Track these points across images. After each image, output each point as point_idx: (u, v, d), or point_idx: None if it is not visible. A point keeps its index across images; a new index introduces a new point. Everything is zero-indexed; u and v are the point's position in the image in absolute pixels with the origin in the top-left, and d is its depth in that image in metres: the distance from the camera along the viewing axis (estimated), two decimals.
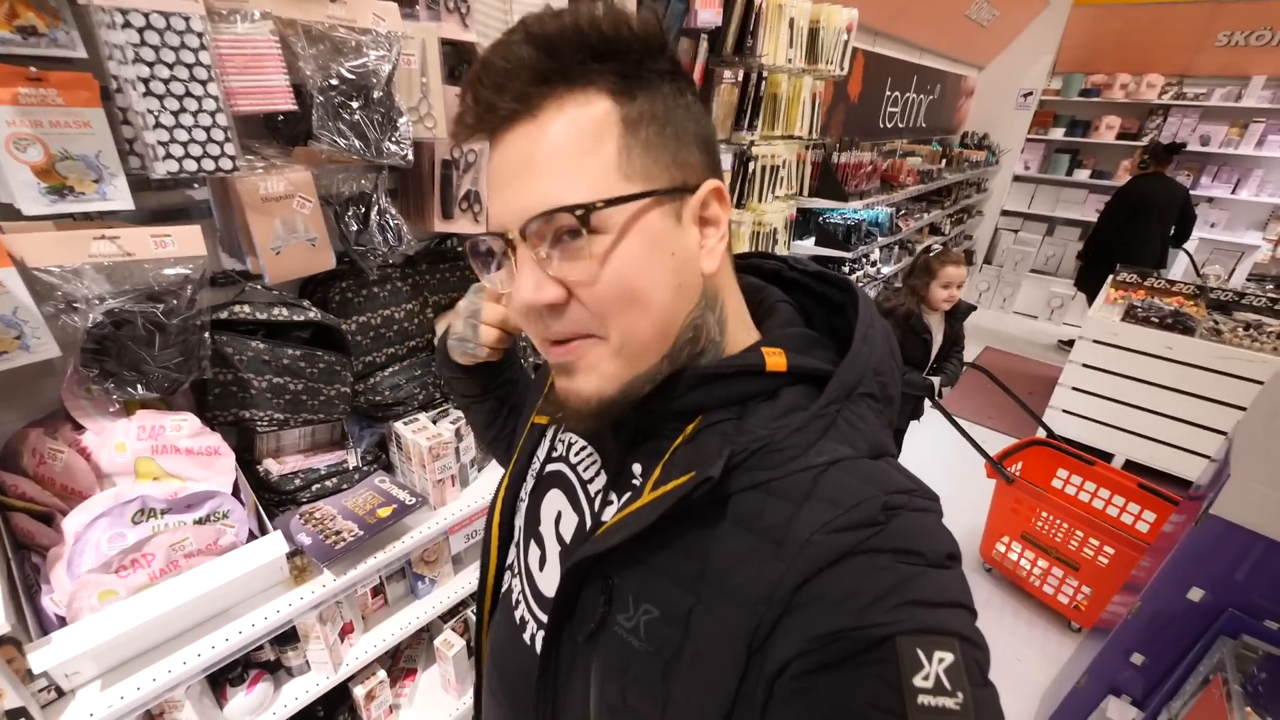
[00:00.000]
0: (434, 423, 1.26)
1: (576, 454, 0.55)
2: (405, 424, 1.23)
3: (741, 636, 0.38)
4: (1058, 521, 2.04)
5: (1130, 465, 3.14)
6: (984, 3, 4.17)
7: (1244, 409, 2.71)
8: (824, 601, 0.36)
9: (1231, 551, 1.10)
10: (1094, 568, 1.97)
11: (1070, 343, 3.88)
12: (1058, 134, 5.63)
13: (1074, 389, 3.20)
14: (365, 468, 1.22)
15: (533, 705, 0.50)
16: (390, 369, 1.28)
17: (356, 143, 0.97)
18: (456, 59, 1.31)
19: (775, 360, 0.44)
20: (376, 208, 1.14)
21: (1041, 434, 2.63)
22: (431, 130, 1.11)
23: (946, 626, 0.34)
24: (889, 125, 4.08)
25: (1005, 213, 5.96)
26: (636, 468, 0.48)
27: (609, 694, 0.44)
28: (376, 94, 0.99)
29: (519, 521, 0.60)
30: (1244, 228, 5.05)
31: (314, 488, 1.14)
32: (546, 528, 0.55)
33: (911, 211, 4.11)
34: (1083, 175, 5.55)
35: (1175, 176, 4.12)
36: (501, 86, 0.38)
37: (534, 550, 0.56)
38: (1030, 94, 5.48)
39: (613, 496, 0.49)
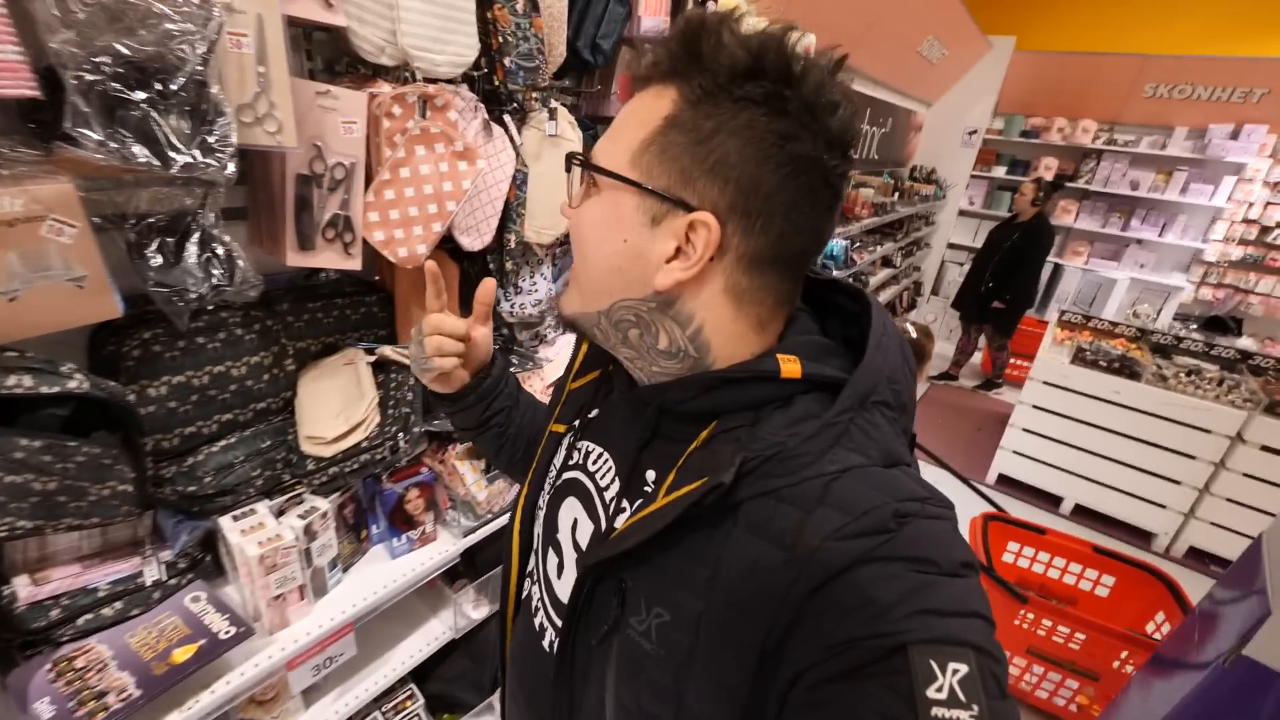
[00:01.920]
0: (278, 515, 0.96)
1: (594, 462, 0.56)
2: (235, 519, 0.93)
3: (753, 643, 0.38)
4: (1076, 634, 1.79)
5: (1080, 510, 3.09)
6: (935, 40, 4.20)
7: (1191, 456, 2.77)
8: (836, 610, 0.36)
9: (1272, 701, 0.89)
10: (1119, 676, 1.76)
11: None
12: (1000, 172, 5.79)
13: (1024, 430, 3.15)
14: (173, 580, 0.91)
15: (549, 708, 0.51)
16: (223, 442, 0.97)
17: (137, 148, 0.69)
18: (333, 49, 1.03)
19: (790, 367, 0.44)
20: (198, 235, 0.85)
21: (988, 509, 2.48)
22: (276, 136, 0.83)
23: (961, 637, 0.33)
24: None
25: (951, 246, 6.06)
26: (650, 474, 0.49)
27: (624, 696, 0.45)
28: (177, 83, 0.71)
29: (537, 529, 0.61)
30: (1170, 269, 5.27)
31: (83, 619, 0.82)
32: (564, 535, 0.56)
33: (866, 244, 4.05)
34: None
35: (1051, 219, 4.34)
36: (653, 53, 0.45)
37: (552, 558, 0.57)
38: (975, 132, 5.60)
39: (625, 503, 0.50)
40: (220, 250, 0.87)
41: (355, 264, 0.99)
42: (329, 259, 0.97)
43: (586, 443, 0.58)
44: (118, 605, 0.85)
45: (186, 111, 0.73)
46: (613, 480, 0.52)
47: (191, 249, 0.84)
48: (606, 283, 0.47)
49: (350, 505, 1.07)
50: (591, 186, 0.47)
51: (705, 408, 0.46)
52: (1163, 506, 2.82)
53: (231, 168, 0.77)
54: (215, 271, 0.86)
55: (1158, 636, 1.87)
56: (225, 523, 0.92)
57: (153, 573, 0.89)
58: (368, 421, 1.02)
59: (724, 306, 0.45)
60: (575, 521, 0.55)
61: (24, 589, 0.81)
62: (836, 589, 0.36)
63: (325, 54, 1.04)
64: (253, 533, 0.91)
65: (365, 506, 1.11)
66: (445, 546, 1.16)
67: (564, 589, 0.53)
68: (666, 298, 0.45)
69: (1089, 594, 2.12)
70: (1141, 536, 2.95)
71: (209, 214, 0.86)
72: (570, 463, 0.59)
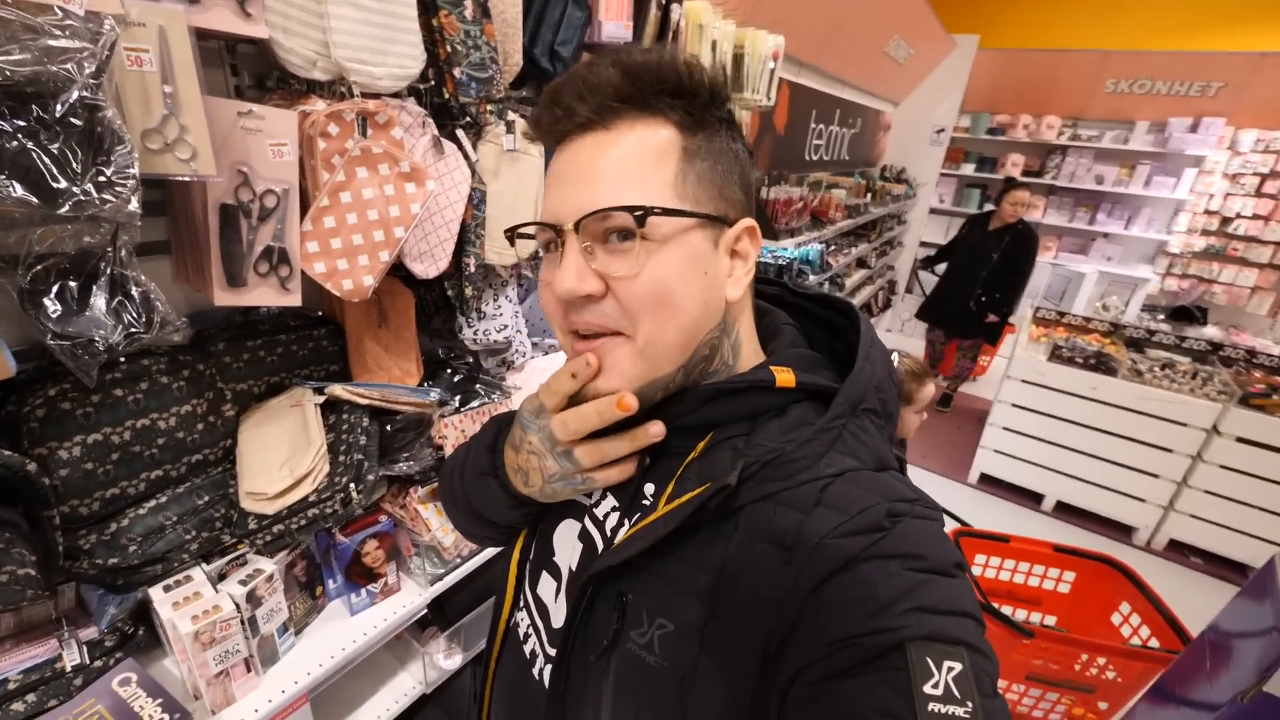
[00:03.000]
0: (219, 580, 0.87)
1: None
2: (167, 589, 0.83)
3: (756, 644, 0.39)
4: (1078, 654, 1.74)
5: (1061, 507, 3.10)
6: (901, 40, 4.21)
7: (1169, 450, 2.79)
8: (834, 607, 0.36)
9: None
10: (1112, 686, 1.74)
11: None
12: (969, 169, 5.86)
13: (1004, 429, 3.15)
14: (98, 661, 0.81)
15: None
16: (152, 502, 0.87)
17: (14, 186, 0.59)
18: (262, 64, 0.94)
19: (784, 377, 0.46)
20: (107, 276, 0.76)
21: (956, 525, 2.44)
22: (190, 163, 0.74)
23: (955, 635, 0.34)
24: (814, 158, 4.00)
25: (924, 244, 6.11)
26: (649, 488, 0.49)
27: (622, 713, 0.44)
28: (61, 108, 0.62)
29: (530, 554, 0.60)
30: (1136, 261, 5.38)
31: None
32: (560, 557, 0.55)
33: (840, 247, 4.03)
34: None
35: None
36: (583, 98, 0.43)
37: (547, 581, 0.56)
38: (942, 130, 5.66)
39: (625, 520, 0.50)
40: (135, 292, 0.78)
41: (294, 299, 0.91)
42: (263, 295, 0.88)
43: None
44: (31, 698, 0.75)
45: (77, 140, 0.63)
46: (603, 497, 0.53)
47: (99, 293, 0.75)
48: (696, 327, 0.46)
49: (301, 563, 0.97)
50: (630, 243, 0.43)
51: (704, 420, 0.47)
52: (1142, 500, 2.83)
53: (134, 204, 0.68)
54: (128, 317, 0.76)
55: (1126, 629, 1.88)
56: (156, 594, 0.83)
57: (73, 656, 0.79)
58: (315, 472, 0.93)
59: (747, 301, 0.50)
60: (573, 544, 0.55)
61: None
62: (835, 586, 0.37)
63: (253, 69, 0.95)
64: (187, 605, 0.81)
65: (319, 561, 1.01)
66: (410, 598, 1.07)
67: (559, 612, 0.53)
68: (729, 314, 0.48)
69: (1052, 593, 2.11)
70: (1123, 531, 2.97)
71: (120, 252, 0.76)
72: None
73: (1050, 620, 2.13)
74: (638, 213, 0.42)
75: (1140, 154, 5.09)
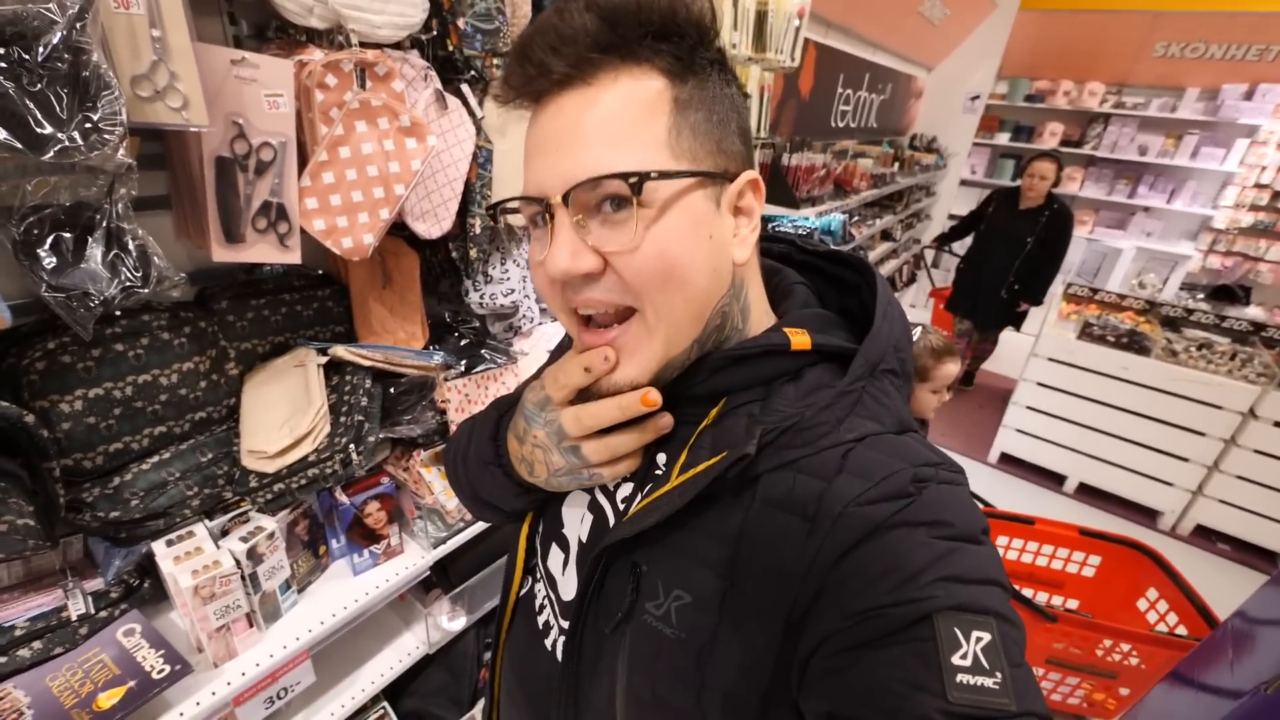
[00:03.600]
0: (219, 537, 0.87)
1: None
2: (170, 544, 0.84)
3: (778, 615, 0.38)
4: (1100, 639, 1.69)
5: (1084, 489, 3.02)
6: (936, 0, 3.99)
7: (1200, 433, 2.68)
8: (860, 577, 0.35)
9: None
10: (1135, 672, 1.70)
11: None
12: (1003, 139, 5.60)
13: (1028, 408, 3.06)
14: (103, 612, 0.82)
15: (555, 706, 0.49)
16: (155, 458, 0.88)
17: None
18: (260, 12, 0.91)
19: (800, 339, 0.44)
20: (104, 229, 0.75)
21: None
22: (181, 112, 0.72)
23: (983, 604, 0.34)
24: (840, 124, 3.86)
25: (952, 216, 5.90)
26: (661, 457, 0.47)
27: (637, 686, 0.43)
28: (44, 50, 0.60)
29: (540, 527, 0.58)
30: (1177, 237, 5.14)
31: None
32: (570, 530, 0.54)
33: (864, 218, 3.91)
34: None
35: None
36: (557, 50, 0.38)
37: (555, 554, 0.55)
38: (977, 97, 5.40)
39: (636, 490, 0.48)
40: (132, 246, 0.76)
41: (293, 257, 0.89)
42: (262, 252, 0.87)
43: None
44: (37, 645, 0.77)
45: (61, 84, 0.61)
46: None
47: (95, 246, 0.74)
48: (707, 296, 0.43)
49: (304, 522, 0.98)
50: (627, 211, 0.39)
51: (717, 388, 0.45)
52: (1169, 484, 2.74)
53: (123, 152, 0.66)
54: (125, 271, 0.75)
55: (1152, 615, 1.83)
56: (158, 548, 0.83)
57: (78, 606, 0.81)
58: (315, 432, 0.92)
59: (754, 260, 0.47)
60: (580, 515, 0.53)
61: None
62: (861, 555, 0.36)
63: (252, 18, 0.92)
64: (187, 559, 0.82)
65: (322, 521, 1.02)
66: (413, 559, 1.08)
67: (568, 584, 0.52)
68: (737, 276, 0.45)
69: (1076, 576, 2.06)
70: (1147, 515, 2.89)
71: (117, 204, 0.75)
72: None
73: (1073, 604, 2.08)
74: (632, 179, 0.38)
75: (1189, 123, 4.81)
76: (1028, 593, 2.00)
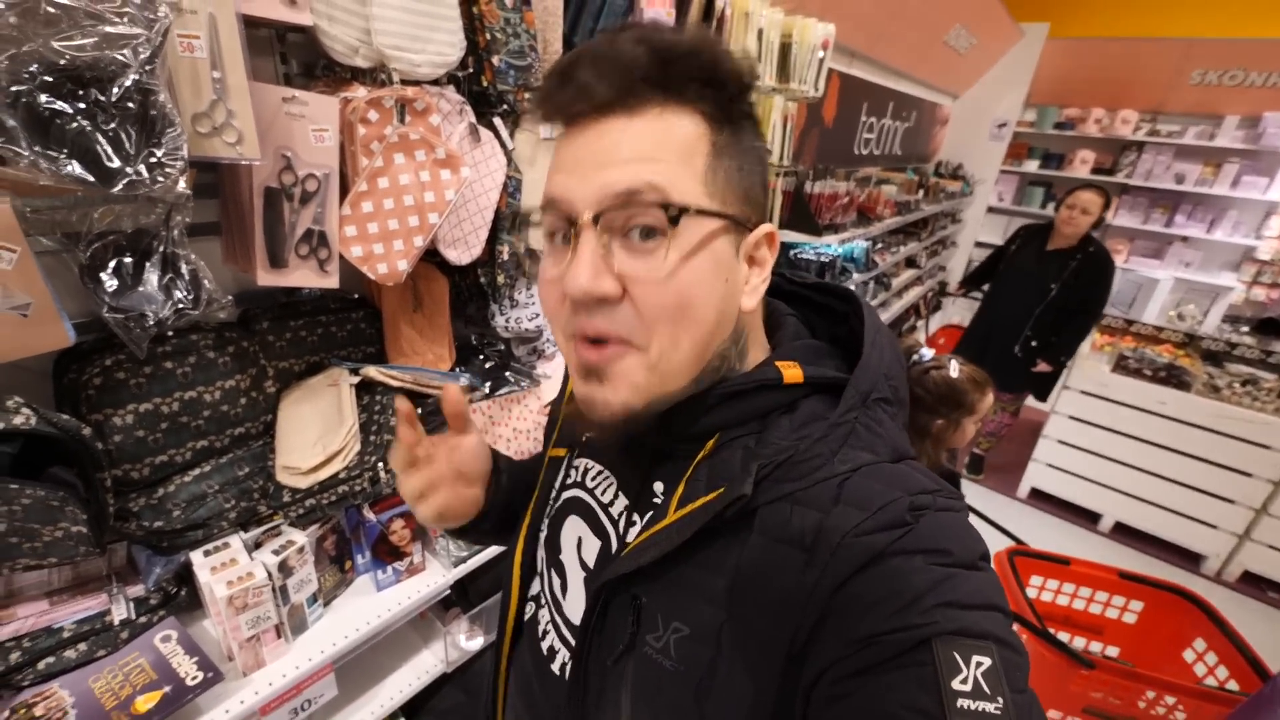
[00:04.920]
0: (253, 549, 0.90)
1: (593, 478, 0.55)
2: (207, 554, 0.88)
3: (778, 648, 0.38)
4: (1143, 691, 1.59)
5: (1120, 529, 2.91)
6: (963, 29, 4.01)
7: (1247, 474, 2.56)
8: (859, 605, 0.36)
9: None
10: None
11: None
12: (1032, 166, 5.54)
13: (1059, 442, 2.98)
14: (143, 617, 0.85)
15: None
16: (197, 470, 0.92)
17: (73, 165, 0.63)
18: (310, 52, 0.97)
19: (791, 373, 0.45)
20: (160, 254, 0.80)
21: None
22: (236, 147, 0.77)
23: (983, 629, 0.34)
24: (864, 152, 3.87)
25: (979, 244, 5.83)
26: (658, 486, 0.48)
27: (641, 718, 0.44)
28: (117, 91, 0.65)
29: (541, 552, 0.59)
30: (1218, 268, 4.98)
31: (45, 661, 0.77)
32: (568, 555, 0.55)
33: (888, 245, 3.89)
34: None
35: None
36: (605, 76, 0.39)
37: (556, 579, 0.56)
38: (1005, 124, 5.37)
39: (636, 517, 0.49)
40: (185, 270, 0.82)
41: (332, 281, 0.93)
42: (303, 277, 0.91)
43: (586, 460, 0.57)
44: (82, 647, 0.80)
45: (131, 122, 0.67)
46: (615, 496, 0.52)
47: (152, 270, 0.79)
48: (711, 340, 0.43)
49: (331, 537, 1.01)
50: (652, 241, 0.39)
51: (712, 425, 0.46)
52: (1214, 527, 2.62)
53: (183, 184, 0.71)
54: (178, 293, 0.80)
55: (1200, 667, 1.72)
56: (196, 558, 0.87)
57: (121, 611, 0.84)
58: (346, 450, 0.95)
59: (758, 308, 0.48)
60: (580, 540, 0.54)
61: None
62: (860, 584, 0.36)
63: (301, 57, 0.98)
64: (223, 570, 0.85)
65: (349, 536, 1.05)
66: (434, 577, 1.09)
67: (573, 608, 0.52)
68: (741, 321, 0.46)
69: (1116, 622, 1.96)
70: (1189, 558, 2.76)
71: (173, 231, 0.80)
72: (569, 481, 0.58)
73: (1113, 651, 1.98)
74: (673, 210, 0.38)
75: (1228, 151, 4.69)
76: (1064, 637, 1.92)
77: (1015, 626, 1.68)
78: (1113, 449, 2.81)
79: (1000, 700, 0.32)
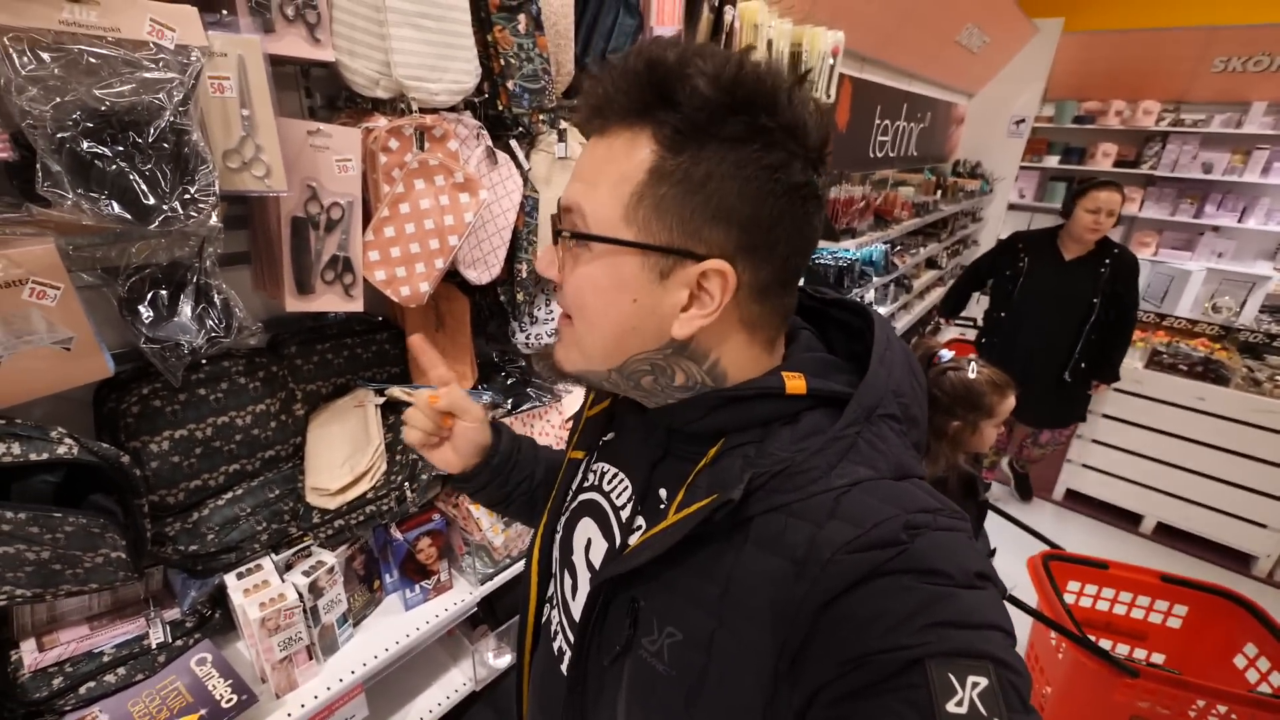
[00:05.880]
0: (284, 570, 0.92)
1: (609, 482, 0.56)
2: (240, 576, 0.89)
3: (766, 660, 0.38)
4: (1193, 699, 1.53)
5: (1163, 529, 2.81)
6: (974, 29, 3.98)
7: None
8: (849, 624, 0.35)
9: None
10: None
11: None
12: (1052, 161, 5.45)
13: (1094, 441, 2.89)
14: (179, 640, 0.87)
15: None
16: (229, 494, 0.94)
17: (113, 205, 0.66)
18: (332, 85, 1.01)
19: (795, 383, 0.45)
20: (194, 285, 0.83)
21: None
22: (264, 180, 0.80)
23: (978, 649, 0.33)
24: (879, 155, 3.84)
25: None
26: (663, 491, 0.49)
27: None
28: (153, 133, 0.68)
29: (555, 553, 0.60)
30: (1253, 257, 4.82)
31: (86, 686, 0.79)
32: (578, 556, 0.56)
33: (908, 246, 3.85)
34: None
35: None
36: (586, 97, 0.44)
37: (568, 580, 0.57)
38: (1022, 121, 5.29)
39: (640, 521, 0.50)
40: (217, 299, 0.84)
41: (356, 305, 0.95)
42: (329, 302, 0.94)
43: (603, 464, 0.58)
44: (121, 671, 0.82)
45: (166, 161, 0.70)
46: (629, 499, 0.52)
47: (186, 301, 0.82)
48: (619, 344, 0.46)
49: (360, 557, 1.02)
50: (580, 248, 0.44)
51: (712, 426, 0.46)
52: (1263, 526, 2.52)
53: (215, 218, 0.74)
54: (210, 322, 0.83)
55: (1252, 674, 1.64)
56: (230, 580, 0.89)
57: (158, 634, 0.86)
58: (373, 470, 0.97)
59: (739, 336, 0.46)
60: (589, 541, 0.55)
61: (29, 655, 0.79)
62: (849, 603, 0.36)
63: (324, 90, 1.01)
64: (256, 592, 0.87)
65: (377, 556, 1.06)
66: (461, 595, 1.10)
67: (579, 610, 0.53)
68: (683, 343, 0.45)
69: (1160, 627, 1.89)
70: (1238, 559, 2.65)
71: (206, 262, 0.83)
72: (586, 484, 0.59)
73: (1158, 658, 1.91)
74: (560, 227, 0.45)
75: (1257, 138, 4.55)
76: (1105, 644, 1.85)
77: (1053, 636, 1.64)
78: (1151, 447, 2.72)
79: None
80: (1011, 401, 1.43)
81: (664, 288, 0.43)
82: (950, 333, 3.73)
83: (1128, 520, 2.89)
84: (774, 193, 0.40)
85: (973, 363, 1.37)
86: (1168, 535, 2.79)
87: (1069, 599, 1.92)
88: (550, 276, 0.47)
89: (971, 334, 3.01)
